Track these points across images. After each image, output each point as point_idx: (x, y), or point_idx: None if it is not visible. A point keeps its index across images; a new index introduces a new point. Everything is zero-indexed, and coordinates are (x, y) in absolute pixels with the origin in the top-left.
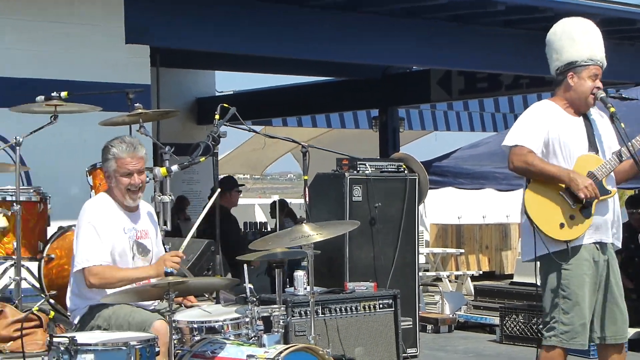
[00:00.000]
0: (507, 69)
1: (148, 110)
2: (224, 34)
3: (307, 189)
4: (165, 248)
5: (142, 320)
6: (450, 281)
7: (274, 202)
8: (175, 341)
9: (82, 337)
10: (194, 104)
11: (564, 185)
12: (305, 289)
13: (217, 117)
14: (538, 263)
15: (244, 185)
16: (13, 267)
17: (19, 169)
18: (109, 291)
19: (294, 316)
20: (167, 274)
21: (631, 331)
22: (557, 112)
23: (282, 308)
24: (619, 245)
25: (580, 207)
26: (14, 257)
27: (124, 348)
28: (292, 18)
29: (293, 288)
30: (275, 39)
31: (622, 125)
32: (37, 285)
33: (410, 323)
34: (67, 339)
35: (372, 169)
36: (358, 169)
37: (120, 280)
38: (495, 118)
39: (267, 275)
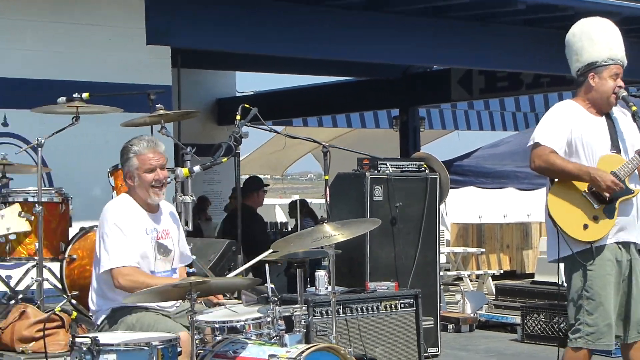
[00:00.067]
0: (527, 68)
1: (169, 111)
2: (245, 34)
3: (327, 189)
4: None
5: (167, 332)
6: (471, 280)
7: (293, 201)
8: (197, 341)
9: (104, 337)
10: (214, 104)
11: (586, 186)
12: (327, 288)
13: (238, 117)
14: (562, 264)
15: (269, 185)
16: (35, 268)
17: (41, 170)
18: None
19: (315, 316)
20: (189, 274)
21: None
22: (580, 111)
23: (304, 308)
24: None
25: (603, 207)
26: (36, 257)
27: (146, 348)
28: (313, 18)
29: (314, 288)
30: (296, 39)
31: None
32: (59, 285)
33: (432, 322)
34: (89, 339)
35: (392, 169)
36: (379, 168)
37: (148, 287)
38: (516, 117)
39: (285, 275)
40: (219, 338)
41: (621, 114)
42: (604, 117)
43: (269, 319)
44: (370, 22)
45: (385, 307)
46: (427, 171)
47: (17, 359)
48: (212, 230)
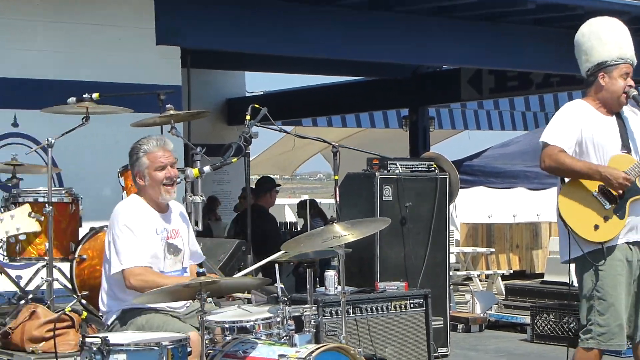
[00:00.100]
0: (537, 68)
1: (179, 111)
2: (254, 34)
3: (337, 189)
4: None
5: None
6: (480, 280)
7: (301, 201)
8: (206, 341)
9: (114, 337)
10: (224, 104)
11: (597, 187)
12: (336, 288)
13: (248, 117)
14: (572, 265)
15: (280, 185)
16: (45, 268)
17: (51, 171)
18: None
19: (324, 316)
20: (199, 274)
21: None
22: (590, 111)
23: (314, 308)
24: None
25: (614, 207)
26: (46, 258)
27: (156, 348)
28: (322, 18)
29: (324, 288)
30: (305, 39)
31: None
32: (69, 286)
33: (441, 322)
34: (99, 339)
35: (402, 169)
36: (388, 168)
37: (160, 287)
38: (526, 117)
39: (294, 275)
40: (228, 338)
41: (632, 114)
42: (614, 116)
43: (278, 319)
44: (380, 21)
45: (395, 307)
46: (436, 171)
47: (27, 359)
48: (222, 230)
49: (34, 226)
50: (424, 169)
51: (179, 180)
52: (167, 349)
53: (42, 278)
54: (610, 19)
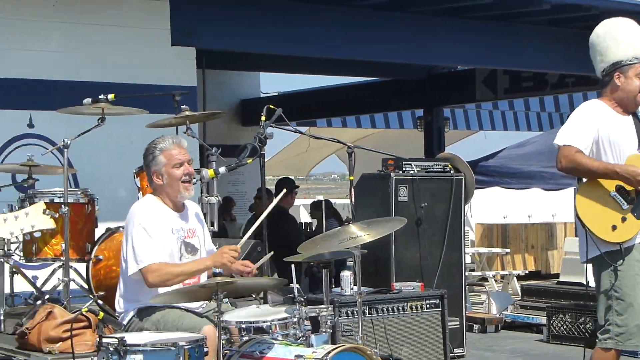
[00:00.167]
0: (552, 68)
1: (195, 112)
2: (269, 35)
3: (352, 190)
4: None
5: (192, 326)
6: (496, 281)
7: (314, 202)
8: (223, 341)
9: (131, 337)
10: (238, 105)
11: (614, 187)
12: (352, 289)
13: (263, 118)
14: (590, 265)
15: (299, 186)
16: (61, 269)
17: (67, 171)
18: (161, 290)
19: (341, 316)
20: (215, 275)
21: None
22: (606, 111)
23: (330, 308)
24: None
25: (631, 208)
26: (62, 258)
27: (173, 348)
28: (337, 19)
29: (339, 288)
30: (320, 40)
31: None
32: (85, 286)
33: (457, 323)
34: (116, 340)
35: (417, 169)
36: (404, 169)
37: (178, 275)
38: (541, 117)
39: (306, 276)
40: (245, 338)
41: None
42: (630, 116)
43: (295, 320)
44: (394, 22)
45: (411, 308)
46: (452, 172)
47: (44, 359)
48: (237, 230)
49: (48, 223)
50: (440, 169)
51: (194, 180)
52: (183, 349)
53: (58, 278)
54: (625, 20)
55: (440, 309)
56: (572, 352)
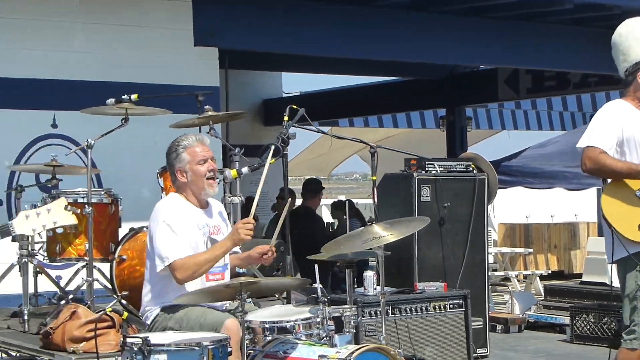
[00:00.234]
0: (575, 68)
1: (217, 112)
2: (291, 35)
3: (375, 190)
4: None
5: (214, 321)
6: (518, 281)
7: (335, 202)
8: (247, 341)
9: (155, 337)
10: (260, 105)
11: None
12: (375, 289)
13: (286, 118)
14: (614, 266)
15: (324, 187)
16: (85, 269)
17: (90, 172)
18: (188, 287)
19: (364, 316)
20: (239, 274)
21: None
22: (630, 110)
23: (353, 308)
24: None
25: None
26: (86, 258)
27: (197, 348)
28: (359, 19)
29: (362, 288)
30: (342, 40)
31: None
32: (109, 286)
33: (481, 323)
34: (140, 340)
35: (440, 169)
36: (426, 168)
37: (204, 264)
38: (563, 117)
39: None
40: (269, 338)
41: None
42: None
43: (318, 320)
44: (417, 22)
45: (434, 308)
46: (475, 171)
47: (69, 359)
48: (259, 230)
49: (70, 219)
50: (462, 169)
51: (218, 180)
52: (207, 349)
53: (82, 278)
54: None
55: (464, 309)
56: (595, 353)
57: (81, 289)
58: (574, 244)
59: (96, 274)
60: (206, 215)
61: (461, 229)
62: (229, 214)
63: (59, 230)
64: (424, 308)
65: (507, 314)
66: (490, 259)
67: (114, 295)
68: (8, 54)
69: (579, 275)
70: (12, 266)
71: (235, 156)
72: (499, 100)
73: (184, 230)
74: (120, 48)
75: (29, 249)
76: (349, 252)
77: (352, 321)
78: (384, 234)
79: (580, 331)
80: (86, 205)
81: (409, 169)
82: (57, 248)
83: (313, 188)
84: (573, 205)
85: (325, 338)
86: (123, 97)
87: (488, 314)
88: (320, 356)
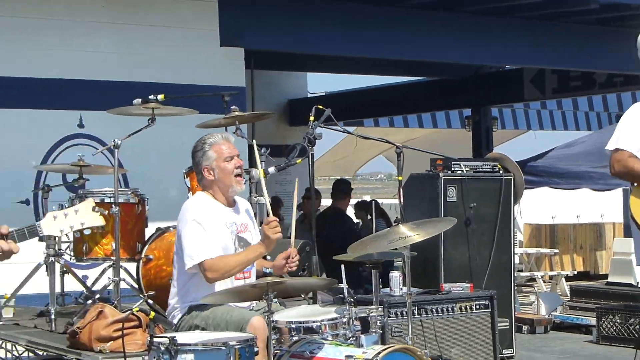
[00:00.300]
0: (600, 67)
1: (244, 112)
2: (317, 35)
3: (401, 190)
4: None
5: (240, 318)
6: (544, 282)
7: (359, 202)
8: (273, 341)
9: (182, 337)
10: (286, 105)
11: None
12: (401, 289)
13: (312, 118)
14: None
15: (353, 188)
16: (112, 268)
17: (117, 171)
18: (217, 286)
19: (390, 317)
20: (265, 275)
21: None
22: None
23: (380, 309)
24: None
25: None
26: (112, 258)
27: (224, 348)
28: (384, 18)
29: (388, 289)
30: (368, 40)
31: None
32: (136, 285)
33: (507, 324)
34: (167, 339)
35: (466, 169)
36: (452, 169)
37: (235, 267)
38: (589, 117)
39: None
40: (295, 338)
41: None
42: None
43: (345, 320)
44: (442, 22)
45: (461, 309)
46: (501, 172)
47: (95, 358)
48: (285, 230)
49: (98, 220)
50: (489, 169)
51: (244, 180)
52: (234, 348)
53: (108, 278)
54: None
55: (490, 309)
56: (622, 354)
57: (108, 288)
58: (599, 244)
59: (123, 274)
60: (234, 213)
61: (487, 229)
62: (255, 214)
63: (86, 231)
64: (450, 308)
65: (533, 314)
66: (516, 260)
67: (141, 295)
68: (35, 54)
69: (605, 276)
70: (39, 266)
71: (262, 156)
72: (525, 100)
73: (213, 228)
74: (146, 48)
75: (56, 248)
76: (375, 252)
77: (378, 321)
78: (410, 234)
79: (607, 332)
80: (113, 205)
81: (435, 169)
82: (84, 248)
83: (343, 189)
84: (599, 206)
85: (351, 338)
86: (150, 97)
87: (514, 314)
88: (347, 356)
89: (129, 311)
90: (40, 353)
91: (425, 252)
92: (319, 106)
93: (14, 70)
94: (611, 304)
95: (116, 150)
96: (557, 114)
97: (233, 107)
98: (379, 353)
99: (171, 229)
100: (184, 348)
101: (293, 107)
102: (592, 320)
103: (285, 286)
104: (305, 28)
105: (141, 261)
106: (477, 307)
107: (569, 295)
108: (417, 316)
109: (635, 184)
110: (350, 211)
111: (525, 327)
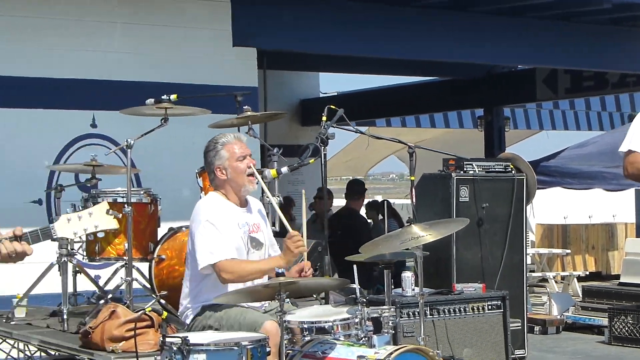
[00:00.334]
0: (613, 67)
1: (256, 112)
2: (330, 35)
3: (413, 190)
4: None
5: (253, 321)
6: (556, 282)
7: (370, 202)
8: (285, 341)
9: (194, 337)
10: (298, 105)
11: None
12: (413, 289)
13: (324, 118)
14: None
15: (367, 189)
16: (124, 268)
17: (130, 171)
18: (231, 287)
19: (402, 317)
20: (278, 275)
21: None
22: None
23: (392, 309)
24: None
25: None
26: (125, 258)
27: (236, 348)
28: (397, 19)
29: (400, 289)
30: (380, 40)
31: None
32: (148, 285)
33: (519, 324)
34: (179, 339)
35: (479, 169)
36: (465, 169)
37: (251, 273)
38: (602, 117)
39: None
40: (307, 338)
41: None
42: None
43: (357, 320)
44: (455, 21)
45: (473, 309)
46: (513, 172)
47: (108, 358)
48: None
49: (112, 223)
50: (501, 169)
51: (256, 181)
52: (246, 349)
53: (121, 278)
54: None
55: (502, 310)
56: (634, 354)
57: (120, 288)
58: (611, 244)
59: (135, 274)
60: (246, 213)
61: (499, 229)
62: (267, 214)
63: (100, 234)
64: (462, 309)
65: (545, 315)
66: (528, 260)
67: (153, 295)
68: (48, 54)
69: (617, 277)
70: (51, 265)
71: (274, 156)
72: (537, 101)
73: (227, 228)
74: (159, 48)
75: (69, 248)
76: (388, 252)
77: (390, 322)
78: (423, 234)
79: (619, 333)
80: (125, 205)
81: (447, 169)
82: (97, 248)
83: (357, 189)
84: (611, 206)
85: (363, 338)
86: (162, 97)
87: (526, 315)
88: (359, 357)
89: (142, 311)
90: (53, 353)
91: (438, 252)
92: (332, 106)
93: (26, 70)
94: (623, 304)
95: (129, 150)
96: (570, 114)
97: (245, 107)
98: (391, 353)
99: (184, 228)
100: (196, 348)
101: (305, 107)
102: (604, 321)
103: (297, 286)
104: (317, 28)
105: (153, 261)
106: (490, 307)
107: (581, 295)
108: (429, 316)
109: None
110: (361, 211)
111: (537, 328)
